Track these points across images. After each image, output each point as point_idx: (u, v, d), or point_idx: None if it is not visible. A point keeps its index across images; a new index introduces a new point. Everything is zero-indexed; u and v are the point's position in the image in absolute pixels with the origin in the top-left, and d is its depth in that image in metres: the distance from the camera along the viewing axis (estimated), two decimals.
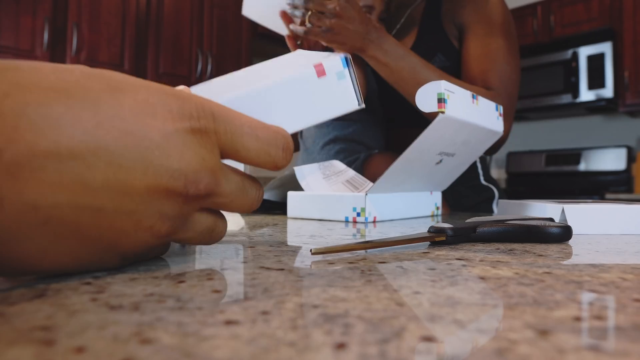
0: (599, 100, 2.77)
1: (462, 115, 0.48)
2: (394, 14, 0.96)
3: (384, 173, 0.50)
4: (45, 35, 2.04)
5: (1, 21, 1.97)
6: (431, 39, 0.88)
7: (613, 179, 2.93)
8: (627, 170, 2.88)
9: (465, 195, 0.88)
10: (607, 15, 2.79)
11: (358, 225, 0.48)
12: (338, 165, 0.64)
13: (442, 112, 0.45)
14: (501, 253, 0.30)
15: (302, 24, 0.70)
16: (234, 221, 0.54)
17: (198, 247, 0.31)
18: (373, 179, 0.73)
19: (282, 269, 0.23)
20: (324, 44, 0.72)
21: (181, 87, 0.27)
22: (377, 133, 0.87)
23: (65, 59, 2.12)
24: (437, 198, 0.66)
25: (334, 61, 0.29)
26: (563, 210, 0.42)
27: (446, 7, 0.89)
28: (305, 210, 0.57)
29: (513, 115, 0.86)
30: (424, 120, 0.83)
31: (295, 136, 0.95)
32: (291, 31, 0.73)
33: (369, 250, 0.30)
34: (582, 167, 3.03)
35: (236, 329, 0.14)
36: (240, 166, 0.72)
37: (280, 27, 0.76)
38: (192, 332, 0.13)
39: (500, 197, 0.91)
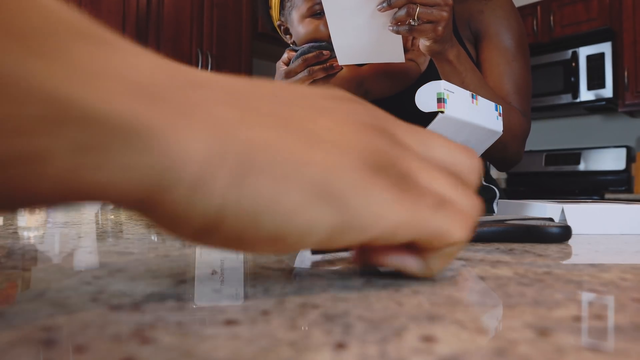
0: (599, 100, 2.77)
1: (461, 115, 0.48)
2: None
3: None
4: None
5: None
6: None
7: (613, 179, 2.93)
8: (627, 170, 2.88)
9: None
10: (607, 15, 2.79)
11: None
12: None
13: (442, 112, 0.45)
14: (501, 253, 0.30)
15: (401, 23, 0.62)
16: None
17: (198, 247, 0.31)
18: None
19: (282, 269, 0.23)
20: (426, 41, 0.65)
21: None
22: None
23: None
24: None
25: None
26: (563, 210, 0.42)
27: (459, 8, 0.85)
28: None
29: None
30: (423, 125, 0.82)
31: None
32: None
33: None
34: (582, 167, 3.03)
35: (236, 329, 0.14)
36: None
37: (378, 57, 0.71)
38: (192, 332, 0.13)
39: (500, 197, 0.91)
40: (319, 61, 0.78)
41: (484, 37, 0.83)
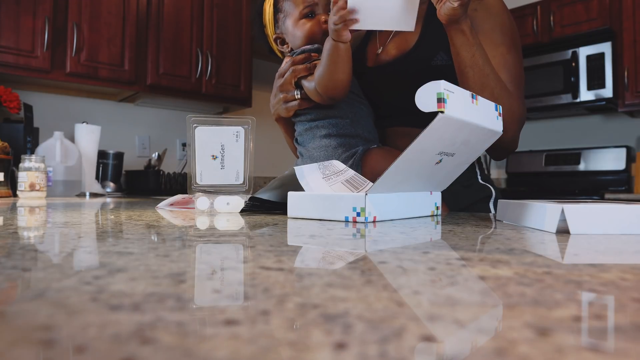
0: (599, 100, 2.77)
1: (461, 115, 0.48)
2: None
3: (383, 173, 0.50)
4: (46, 35, 2.04)
5: (1, 21, 1.97)
6: (434, 38, 0.87)
7: (613, 179, 2.92)
8: (627, 170, 2.88)
9: (462, 195, 0.88)
10: (607, 15, 2.78)
11: (358, 225, 0.48)
12: (337, 165, 0.64)
13: (442, 112, 0.45)
14: (501, 253, 0.30)
15: None
16: (234, 221, 0.54)
17: (198, 247, 0.31)
18: (372, 173, 0.73)
19: (282, 269, 0.23)
20: (454, 2, 0.69)
21: None
22: (367, 125, 0.88)
23: (65, 59, 2.12)
24: (436, 198, 0.66)
25: None
26: (563, 210, 0.42)
27: None
28: (305, 210, 0.57)
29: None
30: (419, 118, 0.84)
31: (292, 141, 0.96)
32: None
33: (368, 250, 0.30)
34: (582, 167, 3.03)
35: (236, 329, 0.14)
36: (240, 161, 0.72)
37: (391, 24, 0.74)
38: (192, 332, 0.13)
39: (497, 197, 0.91)
40: (306, 62, 0.84)
41: (479, 32, 0.86)
